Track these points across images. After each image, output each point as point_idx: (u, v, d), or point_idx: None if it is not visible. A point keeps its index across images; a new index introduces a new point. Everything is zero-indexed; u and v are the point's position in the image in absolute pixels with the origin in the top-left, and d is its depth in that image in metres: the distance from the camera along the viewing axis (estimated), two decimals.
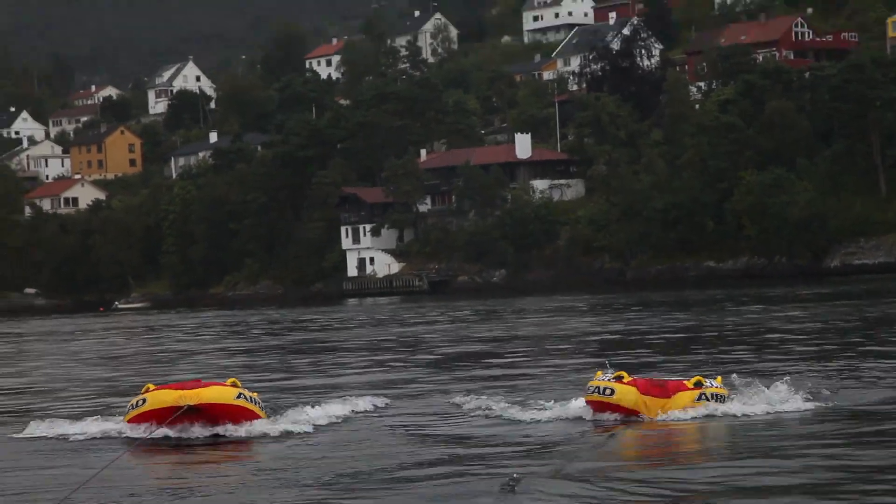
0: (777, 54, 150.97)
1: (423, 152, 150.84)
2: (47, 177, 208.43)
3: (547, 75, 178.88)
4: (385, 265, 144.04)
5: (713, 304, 68.53)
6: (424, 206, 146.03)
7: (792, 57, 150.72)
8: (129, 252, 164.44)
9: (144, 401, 20.41)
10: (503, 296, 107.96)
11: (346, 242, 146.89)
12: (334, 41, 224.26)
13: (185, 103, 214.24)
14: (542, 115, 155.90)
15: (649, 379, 20.73)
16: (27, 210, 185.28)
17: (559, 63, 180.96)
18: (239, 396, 20.51)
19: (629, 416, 19.86)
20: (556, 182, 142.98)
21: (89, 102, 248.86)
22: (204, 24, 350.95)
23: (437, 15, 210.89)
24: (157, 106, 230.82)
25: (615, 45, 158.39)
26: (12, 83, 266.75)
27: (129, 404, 21.03)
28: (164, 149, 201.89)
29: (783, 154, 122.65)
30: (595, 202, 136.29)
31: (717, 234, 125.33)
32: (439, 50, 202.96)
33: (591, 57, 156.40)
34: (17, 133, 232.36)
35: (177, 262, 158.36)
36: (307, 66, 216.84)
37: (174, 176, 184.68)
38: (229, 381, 20.97)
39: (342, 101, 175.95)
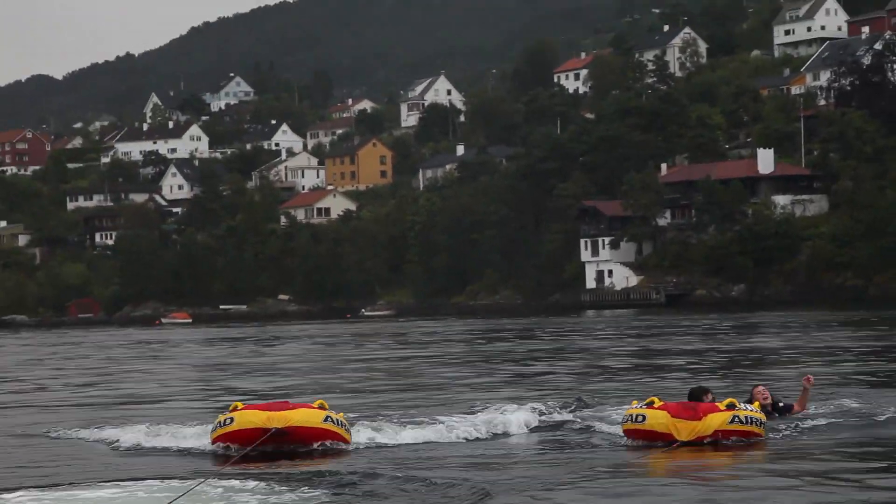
0: None
1: (664, 166, 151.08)
2: (303, 187, 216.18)
3: (795, 90, 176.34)
4: (623, 277, 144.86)
5: None
6: (664, 220, 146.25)
7: None
8: (376, 261, 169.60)
9: (232, 420, 20.12)
10: (741, 310, 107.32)
11: (585, 254, 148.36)
12: (583, 55, 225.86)
13: (435, 116, 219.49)
14: (787, 130, 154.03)
15: (680, 403, 20.68)
16: (283, 219, 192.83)
17: (808, 77, 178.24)
18: (326, 419, 20.27)
19: (661, 440, 19.90)
20: (798, 197, 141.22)
21: (345, 115, 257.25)
22: (460, 39, 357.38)
23: (687, 29, 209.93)
24: (409, 119, 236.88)
25: (866, 60, 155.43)
26: (275, 97, 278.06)
27: (217, 422, 20.60)
28: (413, 161, 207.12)
29: None
30: (839, 218, 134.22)
31: None
32: (687, 64, 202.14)
33: (840, 71, 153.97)
34: (277, 145, 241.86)
35: (420, 271, 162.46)
36: (556, 79, 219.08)
37: (421, 187, 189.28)
38: (317, 402, 20.69)
39: (588, 115, 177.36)
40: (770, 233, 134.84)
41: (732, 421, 19.88)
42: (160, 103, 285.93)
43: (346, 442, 20.72)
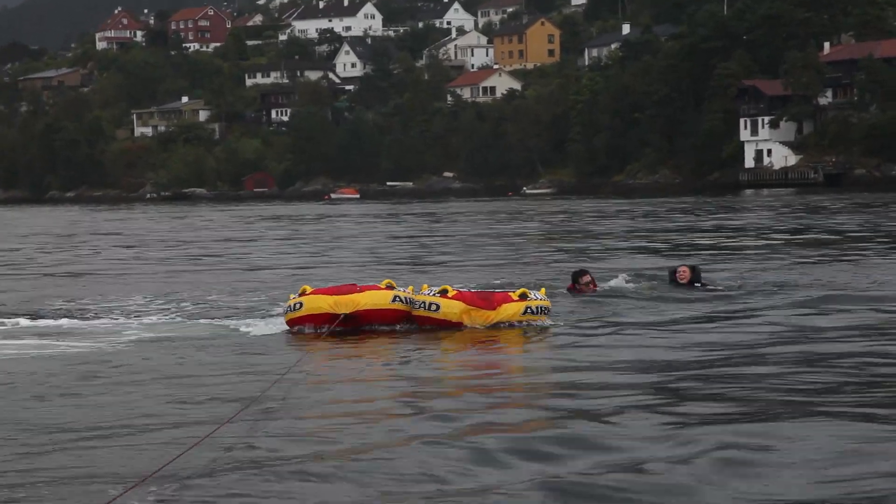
0: None
1: (827, 45, 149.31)
2: (472, 66, 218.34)
3: None
4: (782, 157, 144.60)
5: None
6: (825, 99, 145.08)
7: None
8: (538, 140, 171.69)
9: (301, 304, 20.38)
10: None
11: (745, 134, 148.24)
12: None
13: None
14: None
15: (475, 292, 20.75)
16: (449, 98, 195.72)
17: None
18: (394, 300, 20.29)
19: (455, 328, 19.95)
20: None
21: None
22: None
23: None
24: None
25: None
26: None
27: (287, 305, 20.84)
28: (580, 40, 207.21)
29: None
30: None
31: None
32: None
33: None
34: (448, 23, 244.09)
35: (582, 150, 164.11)
36: None
37: (586, 66, 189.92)
38: (384, 282, 20.82)
39: None
40: None
41: (525, 312, 20.03)
42: None
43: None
